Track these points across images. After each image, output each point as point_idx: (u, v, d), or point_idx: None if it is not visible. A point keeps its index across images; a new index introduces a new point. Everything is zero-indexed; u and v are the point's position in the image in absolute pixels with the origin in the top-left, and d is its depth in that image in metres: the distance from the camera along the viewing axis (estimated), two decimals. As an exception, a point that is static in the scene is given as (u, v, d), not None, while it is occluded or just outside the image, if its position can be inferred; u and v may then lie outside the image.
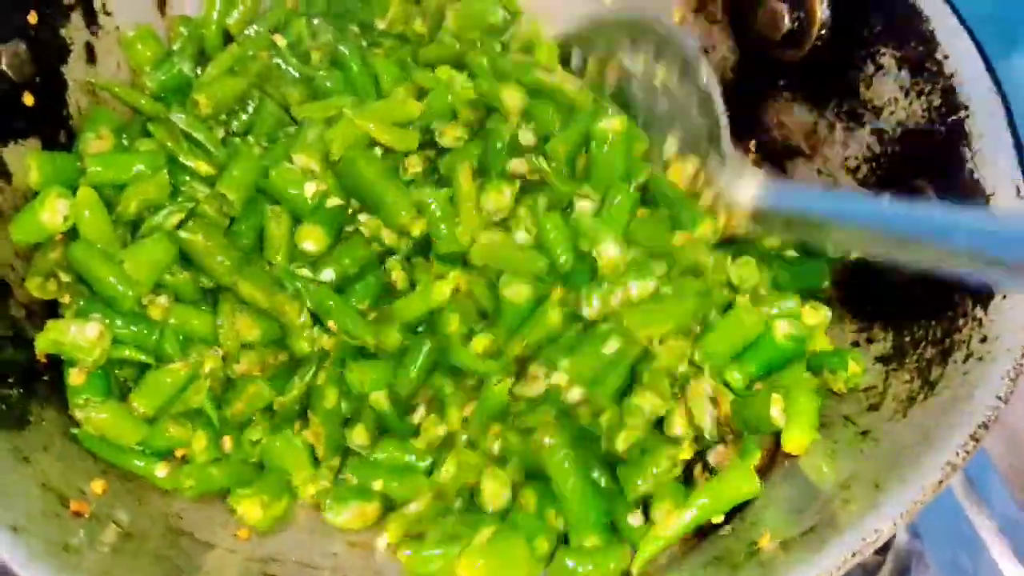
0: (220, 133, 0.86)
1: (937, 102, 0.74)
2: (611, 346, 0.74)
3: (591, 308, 0.75)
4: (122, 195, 0.78)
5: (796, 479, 0.71)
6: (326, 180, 0.80)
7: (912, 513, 0.56)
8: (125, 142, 0.84)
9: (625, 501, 0.71)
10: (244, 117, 0.88)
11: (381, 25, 0.93)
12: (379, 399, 0.77)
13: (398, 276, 0.80)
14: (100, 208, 0.77)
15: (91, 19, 0.85)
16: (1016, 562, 0.91)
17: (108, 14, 0.86)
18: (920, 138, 0.75)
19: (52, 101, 0.81)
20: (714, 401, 0.73)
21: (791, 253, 0.83)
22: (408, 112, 0.84)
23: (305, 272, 0.78)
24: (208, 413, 0.75)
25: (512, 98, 0.84)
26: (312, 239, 0.79)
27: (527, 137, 0.83)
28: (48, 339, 0.71)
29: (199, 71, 0.89)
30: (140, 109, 0.86)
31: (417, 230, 0.80)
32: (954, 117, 0.73)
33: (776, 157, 0.88)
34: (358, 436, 0.76)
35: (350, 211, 0.82)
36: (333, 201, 0.80)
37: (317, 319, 0.78)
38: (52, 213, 0.76)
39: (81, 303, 0.75)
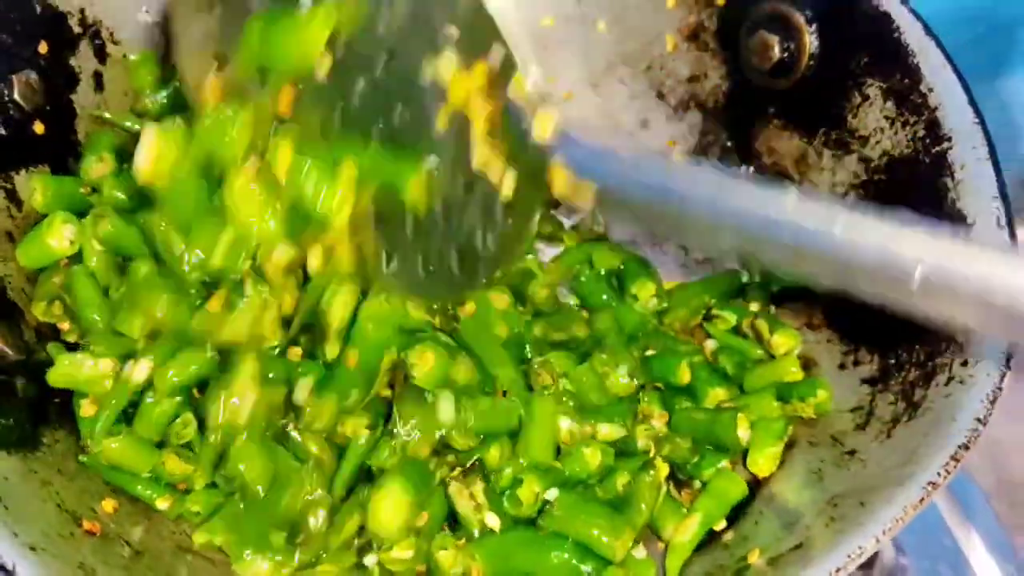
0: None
1: (921, 133, 0.77)
2: None
3: None
4: None
5: (786, 496, 0.74)
6: None
7: (894, 531, 0.59)
8: (125, 166, 0.86)
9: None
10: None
11: None
12: None
13: None
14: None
15: (99, 48, 0.87)
16: (1000, 576, 0.93)
17: (116, 43, 0.88)
18: (905, 167, 0.78)
19: (62, 129, 0.83)
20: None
21: None
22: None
23: None
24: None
25: None
26: None
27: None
28: (61, 373, 0.72)
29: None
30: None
31: None
32: (938, 148, 0.75)
33: (766, 182, 0.91)
34: None
35: None
36: None
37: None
38: (59, 238, 0.78)
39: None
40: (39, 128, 0.81)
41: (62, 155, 0.84)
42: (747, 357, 0.82)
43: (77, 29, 0.84)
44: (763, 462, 0.76)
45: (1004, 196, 0.71)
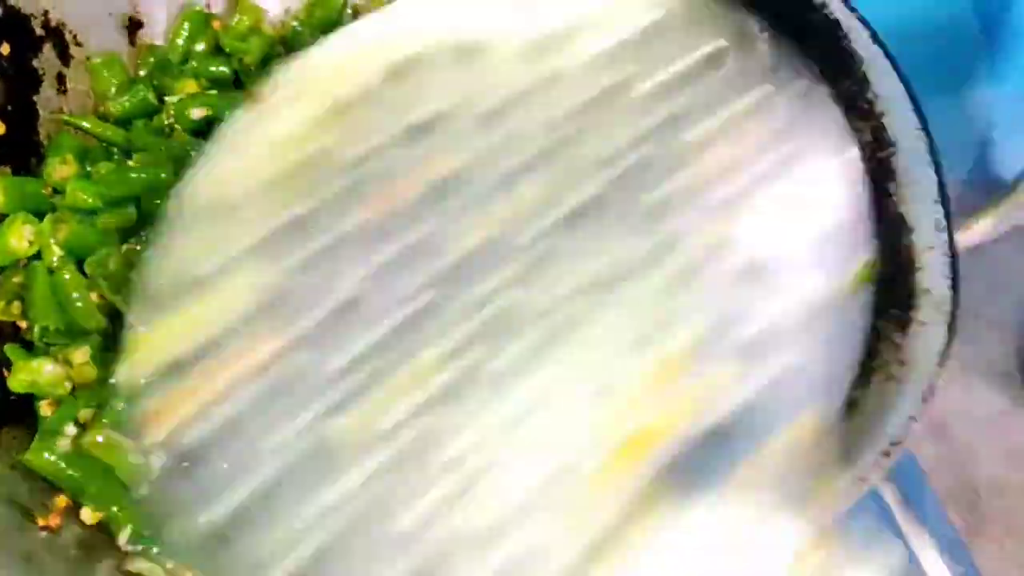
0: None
1: (868, 139, 0.78)
2: None
3: None
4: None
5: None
6: None
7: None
8: (88, 168, 0.87)
9: None
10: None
11: None
12: None
13: None
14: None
15: (63, 50, 0.88)
16: (955, 582, 0.95)
17: (79, 45, 0.89)
18: (851, 172, 0.79)
19: (24, 129, 0.84)
20: None
21: None
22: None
23: None
24: None
25: None
26: None
27: None
28: (21, 379, 0.73)
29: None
30: (101, 138, 0.89)
31: None
32: (882, 154, 0.77)
33: (720, 188, 0.92)
34: None
35: None
36: None
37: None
38: (19, 238, 0.78)
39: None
40: (0, 129, 0.82)
41: (24, 156, 0.85)
42: None
43: (40, 32, 0.85)
44: None
45: (944, 200, 0.72)
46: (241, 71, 0.93)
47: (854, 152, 0.76)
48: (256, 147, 0.70)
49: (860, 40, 0.80)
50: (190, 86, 0.91)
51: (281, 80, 0.73)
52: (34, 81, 0.86)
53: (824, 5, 0.80)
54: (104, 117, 0.90)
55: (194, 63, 0.93)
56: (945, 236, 0.71)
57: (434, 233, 0.66)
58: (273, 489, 0.64)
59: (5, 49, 0.82)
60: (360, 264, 0.67)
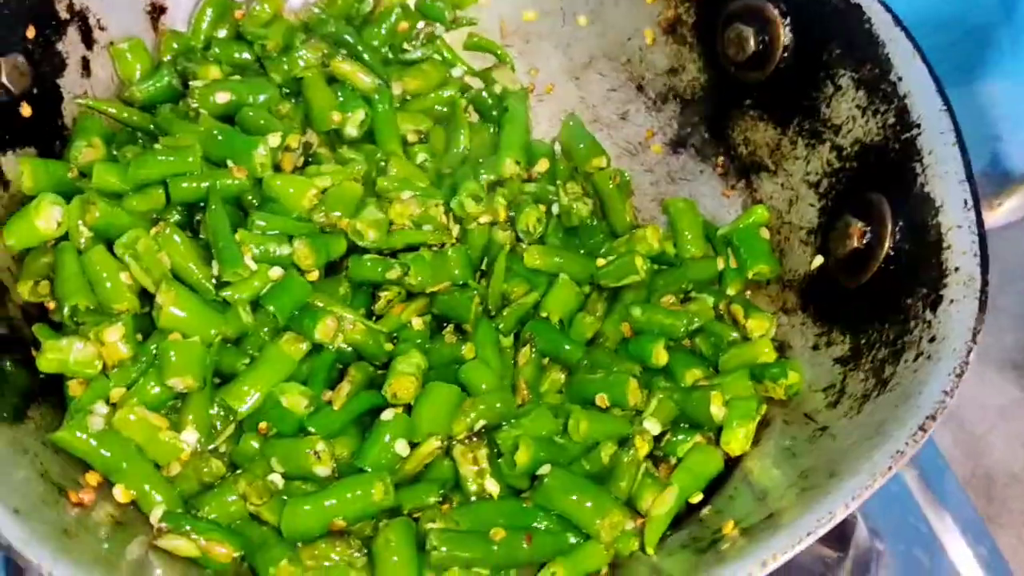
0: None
1: (892, 120, 0.79)
2: None
3: None
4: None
5: (761, 472, 0.75)
6: None
7: (863, 498, 0.60)
8: (114, 151, 0.87)
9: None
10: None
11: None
12: None
13: None
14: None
15: (86, 34, 0.88)
16: (975, 563, 0.95)
17: (103, 29, 0.89)
18: (876, 154, 0.80)
19: (49, 112, 0.85)
20: None
21: None
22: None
23: None
24: None
25: None
26: None
27: None
28: (50, 359, 0.73)
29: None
30: (127, 123, 0.89)
31: None
32: (907, 135, 0.77)
33: (743, 172, 0.93)
34: None
35: None
36: None
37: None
38: (47, 219, 0.78)
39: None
40: (26, 111, 0.82)
41: (49, 138, 0.85)
42: (723, 339, 0.84)
43: (65, 15, 0.86)
44: (735, 442, 0.77)
45: (970, 179, 0.73)
46: (264, 57, 0.94)
47: None
48: None
49: (882, 24, 0.80)
50: (214, 71, 0.91)
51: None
52: (59, 64, 0.86)
53: (846, -10, 0.81)
54: (128, 102, 0.90)
55: (217, 49, 0.93)
56: (973, 215, 0.72)
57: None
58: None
59: (31, 32, 0.82)
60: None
